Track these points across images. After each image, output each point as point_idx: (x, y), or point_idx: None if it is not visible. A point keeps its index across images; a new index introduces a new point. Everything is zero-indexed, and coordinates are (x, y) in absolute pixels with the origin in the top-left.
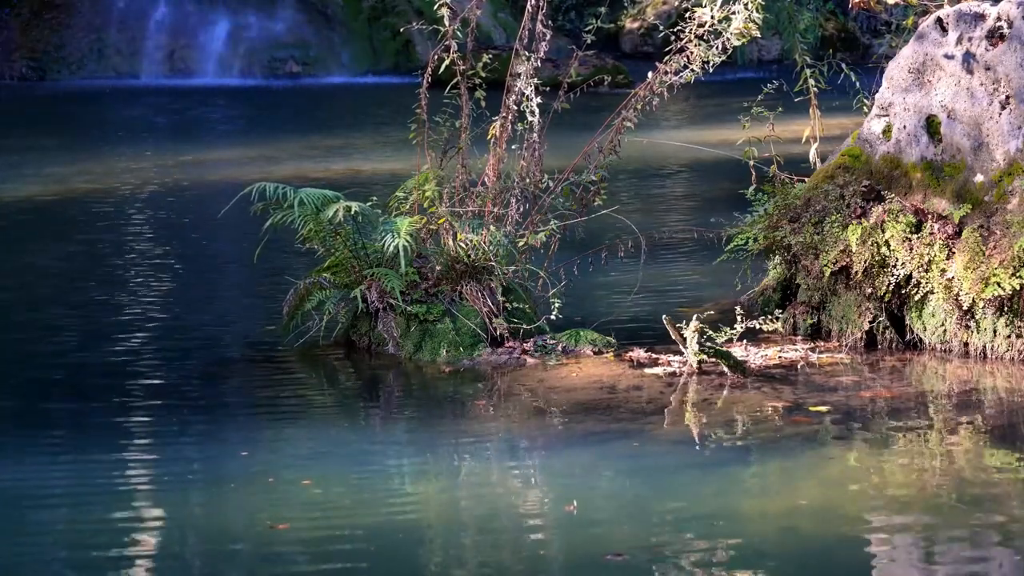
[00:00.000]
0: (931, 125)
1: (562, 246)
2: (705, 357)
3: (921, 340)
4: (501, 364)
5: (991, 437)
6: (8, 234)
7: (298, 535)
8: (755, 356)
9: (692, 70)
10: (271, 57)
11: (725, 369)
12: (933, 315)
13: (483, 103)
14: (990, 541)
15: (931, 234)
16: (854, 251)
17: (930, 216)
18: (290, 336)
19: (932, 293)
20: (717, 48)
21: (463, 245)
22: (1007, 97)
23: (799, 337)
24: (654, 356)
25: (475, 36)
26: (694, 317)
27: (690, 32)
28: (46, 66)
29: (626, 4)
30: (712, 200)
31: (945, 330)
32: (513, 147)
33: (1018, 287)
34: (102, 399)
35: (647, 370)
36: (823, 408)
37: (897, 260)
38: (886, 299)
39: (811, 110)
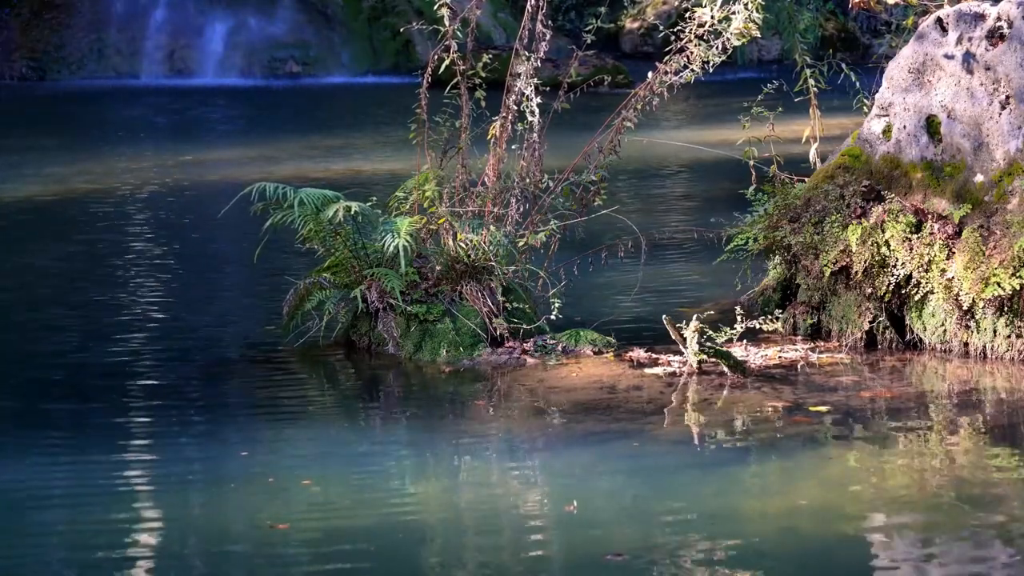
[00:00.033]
0: (931, 125)
1: (562, 246)
2: (705, 357)
3: (921, 340)
4: (501, 364)
5: (991, 437)
6: (8, 234)
7: (298, 535)
8: (755, 356)
9: (692, 70)
10: (271, 57)
11: (725, 369)
12: (933, 315)
13: (483, 103)
14: (990, 541)
15: (931, 234)
16: (854, 251)
17: (930, 216)
18: (290, 336)
19: (932, 293)
20: (717, 48)
21: (463, 245)
22: (1007, 97)
23: (799, 337)
24: (654, 356)
25: (475, 36)
26: (694, 317)
27: (690, 32)
28: (46, 66)
29: (626, 4)
30: (712, 200)
31: (945, 330)
32: (513, 147)
33: (1018, 287)
34: (102, 399)
35: (647, 370)
36: (823, 408)
37: (897, 260)
38: (886, 299)
39: (811, 110)
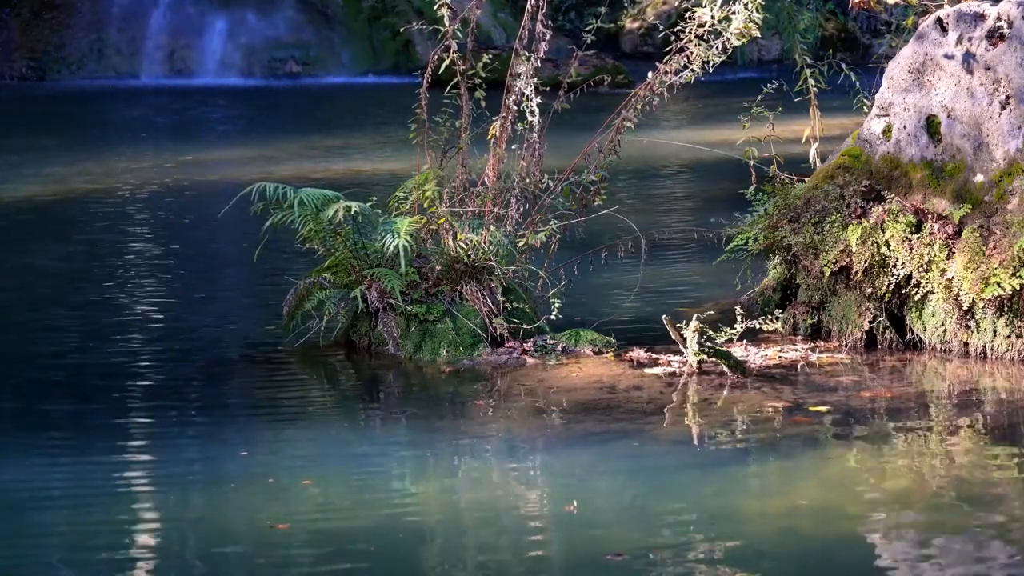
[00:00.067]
0: (931, 125)
1: (562, 246)
2: (705, 357)
3: (921, 340)
4: (501, 364)
5: (991, 437)
6: (8, 234)
7: (298, 535)
8: (755, 356)
9: (692, 70)
10: (271, 57)
11: (725, 369)
12: (933, 315)
13: (483, 103)
14: (990, 541)
15: (931, 234)
16: (854, 251)
17: (930, 216)
18: (290, 336)
19: (932, 293)
20: (717, 48)
21: (463, 245)
22: (1007, 97)
23: (799, 337)
24: (654, 356)
25: (475, 36)
26: (694, 317)
27: (690, 32)
28: (46, 66)
29: (626, 4)
30: (712, 200)
31: (945, 330)
32: (513, 147)
33: (1018, 287)
34: (102, 400)
35: (647, 370)
36: (823, 408)
37: (897, 260)
38: (886, 299)
39: (811, 110)
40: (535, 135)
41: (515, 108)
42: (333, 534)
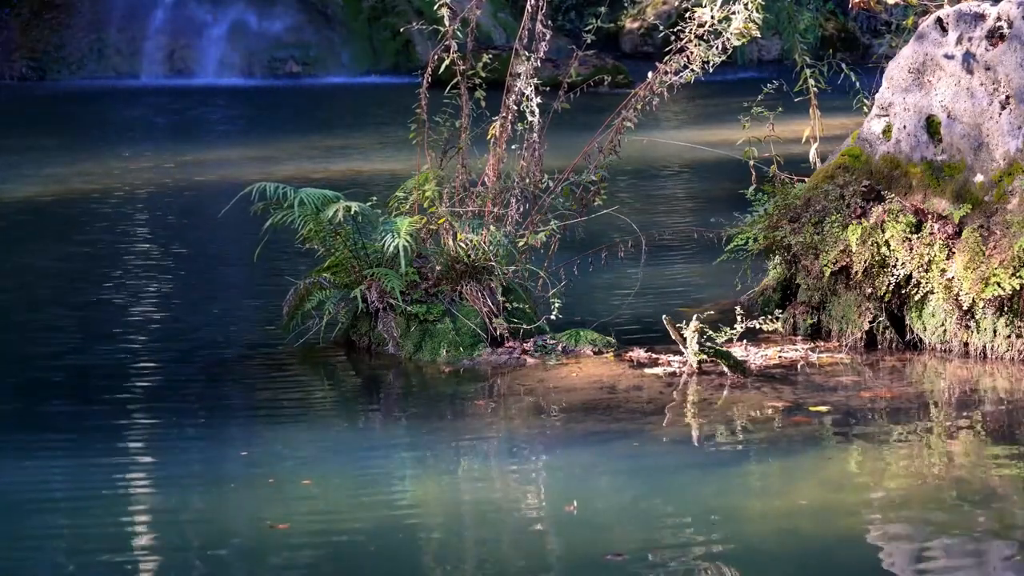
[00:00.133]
0: (931, 125)
1: (562, 246)
2: (705, 357)
3: (921, 340)
4: (501, 364)
5: (991, 437)
6: (8, 234)
7: (298, 535)
8: (755, 356)
9: (692, 70)
10: (271, 57)
11: (725, 369)
12: (933, 315)
13: (483, 103)
14: (990, 541)
15: (931, 234)
16: (854, 251)
17: (930, 216)
18: (290, 336)
19: (932, 293)
20: (717, 48)
21: (463, 245)
22: (1007, 97)
23: (799, 337)
24: (654, 356)
25: (475, 36)
26: (694, 317)
27: (690, 32)
28: (46, 66)
29: (626, 4)
30: (712, 200)
31: (945, 330)
32: (513, 147)
33: (1018, 287)
34: (102, 400)
35: (647, 370)
36: (823, 408)
37: (897, 260)
38: (886, 299)
39: (811, 110)
40: (535, 135)
41: (515, 108)
42: (333, 534)
